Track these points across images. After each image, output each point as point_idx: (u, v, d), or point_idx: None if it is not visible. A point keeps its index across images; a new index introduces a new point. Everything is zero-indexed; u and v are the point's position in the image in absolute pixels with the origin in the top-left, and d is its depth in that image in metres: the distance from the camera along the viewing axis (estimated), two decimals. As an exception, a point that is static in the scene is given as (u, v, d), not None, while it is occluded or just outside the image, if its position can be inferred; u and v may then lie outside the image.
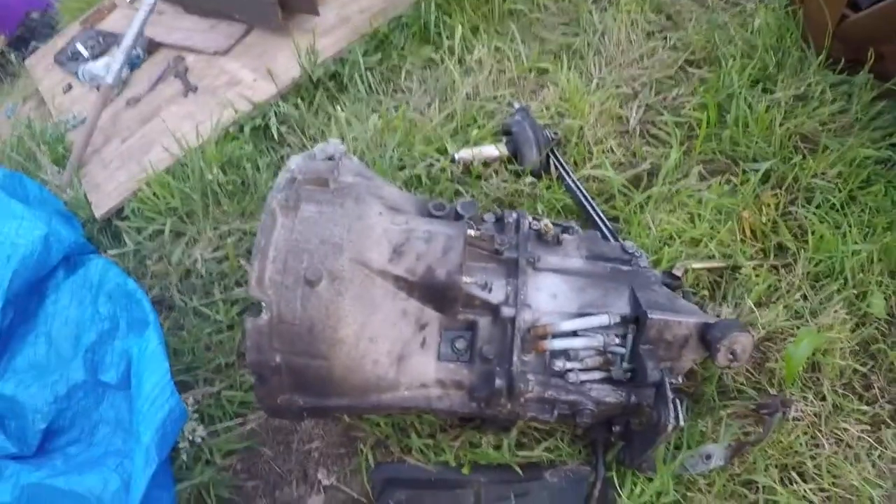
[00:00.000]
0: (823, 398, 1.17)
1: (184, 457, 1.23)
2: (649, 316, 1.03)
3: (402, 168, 1.45)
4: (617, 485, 1.11)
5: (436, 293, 1.07)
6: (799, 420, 1.14)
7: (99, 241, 1.67)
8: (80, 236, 1.54)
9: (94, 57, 2.33)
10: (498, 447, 1.18)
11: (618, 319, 1.06)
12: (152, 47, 2.21)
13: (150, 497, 1.12)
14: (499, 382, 1.01)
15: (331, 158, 1.19)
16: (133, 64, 2.18)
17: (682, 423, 0.97)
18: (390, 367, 1.05)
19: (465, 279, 1.06)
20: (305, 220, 1.06)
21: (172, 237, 1.56)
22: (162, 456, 1.14)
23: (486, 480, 1.18)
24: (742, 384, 1.18)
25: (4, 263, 1.29)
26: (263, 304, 1.01)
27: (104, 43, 2.40)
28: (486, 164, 1.45)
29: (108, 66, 2.06)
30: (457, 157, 1.43)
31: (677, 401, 0.98)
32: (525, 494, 1.16)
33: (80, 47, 2.41)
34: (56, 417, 1.31)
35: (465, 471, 1.18)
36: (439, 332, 1.09)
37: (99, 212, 1.66)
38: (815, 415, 1.15)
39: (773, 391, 1.17)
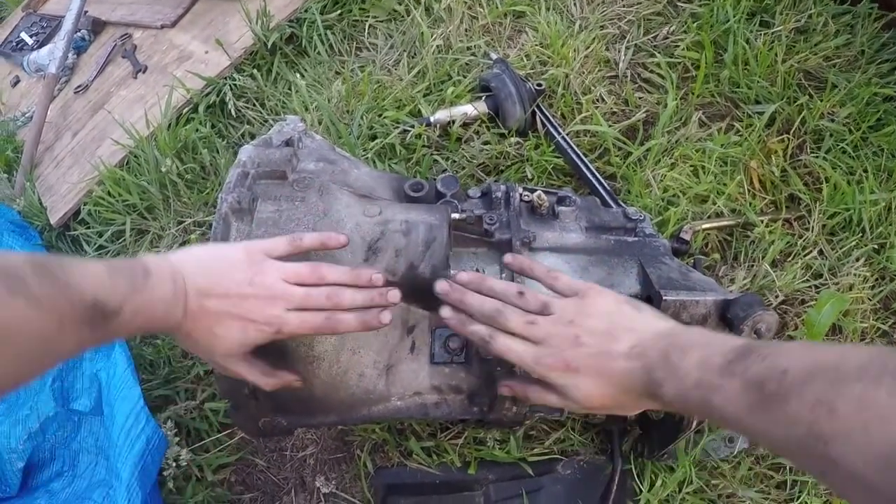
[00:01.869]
0: (848, 362, 1.01)
1: (170, 484, 1.08)
2: (664, 297, 0.85)
3: (373, 138, 1.24)
4: (636, 476, 0.97)
5: (421, 291, 0.88)
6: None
7: (59, 249, 1.47)
8: (37, 247, 1.35)
9: (40, 45, 2.06)
10: (505, 442, 1.03)
11: (628, 301, 0.88)
12: (98, 27, 1.95)
13: (141, 534, 0.98)
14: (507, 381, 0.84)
15: (288, 143, 0.99)
16: (79, 47, 1.91)
17: (707, 418, 0.81)
18: (378, 378, 0.89)
19: (453, 272, 0.87)
20: (263, 222, 0.87)
21: (134, 236, 1.36)
22: (146, 490, 1.00)
23: (495, 478, 1.04)
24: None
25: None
26: (226, 325, 0.83)
27: (48, 28, 2.11)
28: (465, 125, 1.24)
29: (51, 54, 1.80)
30: (432, 119, 1.22)
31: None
32: (538, 490, 1.03)
33: (24, 36, 2.13)
34: (34, 453, 1.16)
35: (471, 470, 1.03)
36: (430, 331, 0.92)
37: (54, 218, 1.46)
38: (841, 381, 0.99)
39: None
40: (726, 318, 0.90)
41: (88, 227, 1.41)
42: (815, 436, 0.43)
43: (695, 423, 0.82)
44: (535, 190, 0.99)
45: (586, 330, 0.64)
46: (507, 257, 0.80)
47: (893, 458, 0.39)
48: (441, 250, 0.88)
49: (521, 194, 0.99)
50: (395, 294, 0.74)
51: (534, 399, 0.71)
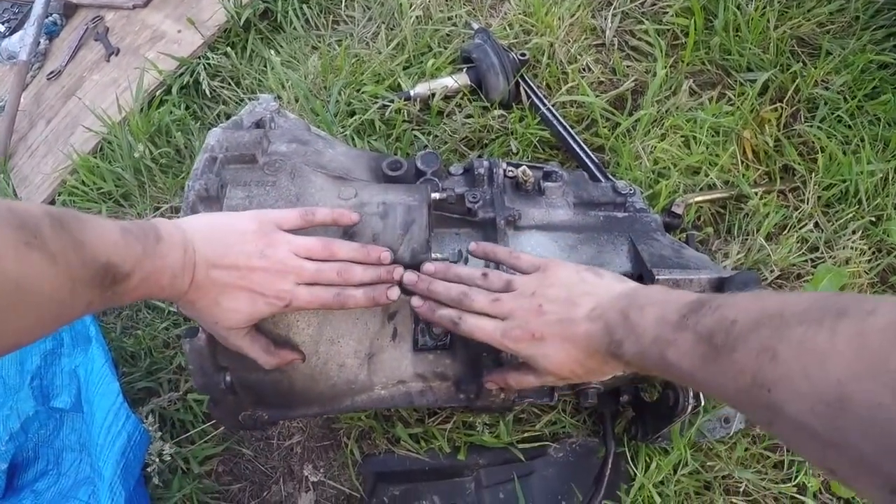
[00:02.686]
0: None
1: (156, 479, 1.03)
2: (657, 277, 0.80)
3: (351, 114, 1.17)
4: (630, 459, 0.92)
5: (402, 276, 0.82)
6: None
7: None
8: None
9: (11, 31, 1.96)
10: (494, 426, 0.98)
11: (619, 281, 0.83)
12: (69, 10, 1.85)
13: (127, 533, 0.93)
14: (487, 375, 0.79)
15: (259, 124, 0.92)
16: (51, 32, 1.82)
17: (702, 401, 0.76)
18: (360, 368, 0.83)
19: (435, 255, 0.81)
20: (233, 209, 0.80)
21: (111, 226, 1.29)
22: (129, 488, 0.95)
23: (486, 463, 1.00)
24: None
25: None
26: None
27: (20, 14, 2.01)
28: (447, 97, 1.16)
29: (22, 40, 1.70)
30: (412, 93, 1.14)
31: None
32: (529, 474, 0.98)
33: (-5, 23, 2.03)
34: (17, 453, 1.11)
35: (460, 456, 0.99)
36: (412, 317, 0.86)
37: (29, 208, 1.38)
38: (838, 358, 0.95)
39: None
40: (721, 295, 0.85)
41: (64, 217, 1.34)
42: (759, 384, 0.41)
43: (690, 407, 0.77)
44: (520, 165, 0.93)
45: (548, 299, 0.63)
46: (472, 245, 0.79)
47: (833, 402, 0.36)
48: (420, 233, 0.81)
49: (504, 170, 0.93)
50: (400, 271, 0.73)
51: (514, 384, 0.71)
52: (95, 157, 1.33)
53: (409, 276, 0.73)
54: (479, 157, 1.01)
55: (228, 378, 0.81)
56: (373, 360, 0.84)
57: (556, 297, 0.63)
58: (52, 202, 1.38)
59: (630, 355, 0.55)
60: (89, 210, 1.31)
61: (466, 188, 0.90)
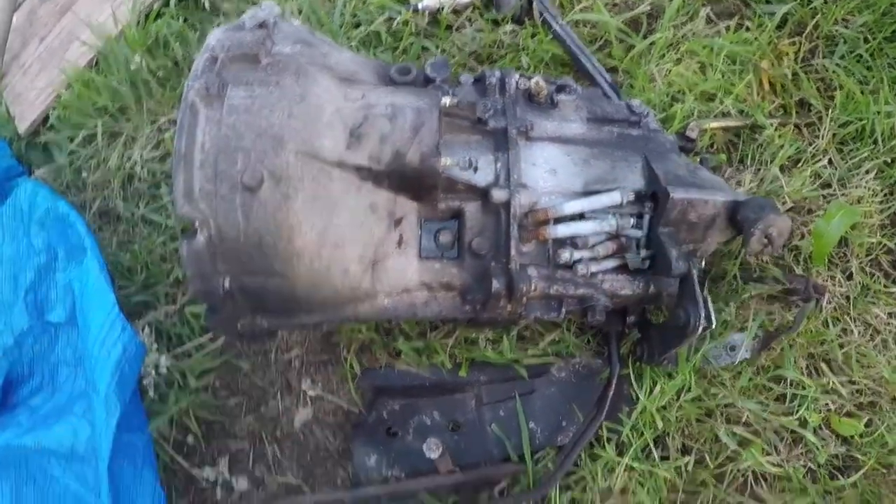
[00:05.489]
0: (850, 277, 0.96)
1: (152, 393, 0.99)
2: (672, 195, 0.76)
3: (356, 26, 1.11)
4: (634, 383, 0.89)
5: (409, 181, 0.79)
6: (828, 303, 0.91)
7: (29, 158, 1.33)
8: (5, 158, 1.21)
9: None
10: (497, 342, 0.95)
11: (631, 197, 0.80)
12: (62, -78, 1.72)
13: (122, 445, 0.90)
14: (496, 285, 0.76)
15: (262, 25, 0.85)
16: (43, -55, 1.70)
17: (713, 323, 0.74)
18: (364, 274, 0.79)
19: (444, 160, 0.77)
20: (234, 109, 0.75)
21: (107, 140, 1.23)
22: (124, 401, 0.91)
23: (487, 380, 0.97)
24: (765, 262, 0.94)
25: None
26: (197, 222, 0.73)
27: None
28: (456, 11, 1.10)
29: (13, -45, 1.59)
30: (421, 6, 1.08)
31: (707, 297, 0.74)
32: (530, 392, 0.96)
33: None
34: (11, 370, 1.06)
35: (462, 372, 0.96)
36: (418, 224, 0.82)
37: (23, 126, 1.32)
38: (843, 297, 0.94)
39: (799, 270, 0.93)
40: (736, 220, 0.81)
41: (57, 133, 1.27)
42: None
43: (701, 328, 0.74)
44: (533, 77, 0.87)
45: None
46: None
47: None
48: (430, 136, 0.77)
49: (517, 80, 0.87)
50: None
51: None
52: (91, 71, 1.26)
53: None
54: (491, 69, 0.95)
55: (228, 283, 0.77)
56: (377, 266, 0.80)
57: None
58: (46, 118, 1.31)
59: None
60: (84, 125, 1.24)
61: (478, 97, 0.85)
